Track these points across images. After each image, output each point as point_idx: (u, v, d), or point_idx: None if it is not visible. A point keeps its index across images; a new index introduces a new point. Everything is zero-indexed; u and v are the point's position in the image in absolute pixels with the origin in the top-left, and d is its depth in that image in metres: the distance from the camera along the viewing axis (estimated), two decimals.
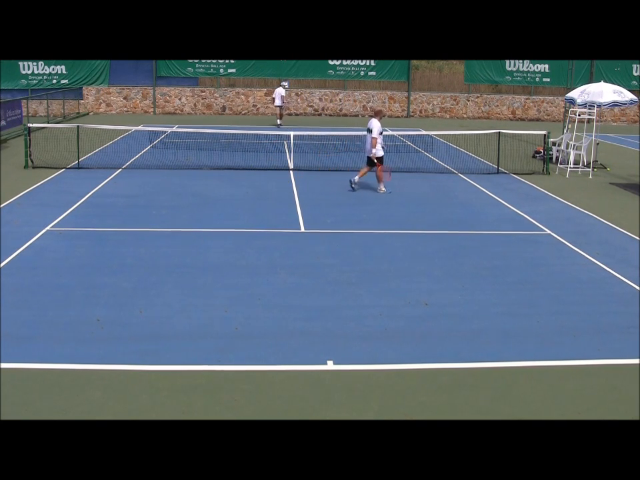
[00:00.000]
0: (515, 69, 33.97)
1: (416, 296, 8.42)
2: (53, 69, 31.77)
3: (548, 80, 33.93)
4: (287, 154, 18.83)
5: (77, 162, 17.20)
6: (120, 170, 16.86)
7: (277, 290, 8.61)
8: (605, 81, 20.34)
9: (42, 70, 31.66)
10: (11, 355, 6.60)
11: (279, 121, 27.18)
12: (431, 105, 33.97)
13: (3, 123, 21.30)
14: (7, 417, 5.44)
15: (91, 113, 31.88)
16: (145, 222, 11.91)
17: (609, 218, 12.82)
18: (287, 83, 32.79)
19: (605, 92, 18.32)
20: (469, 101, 34.08)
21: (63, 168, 16.84)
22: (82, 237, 10.90)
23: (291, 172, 17.09)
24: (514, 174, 17.48)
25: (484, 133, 19.88)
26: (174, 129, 21.27)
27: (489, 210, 13.47)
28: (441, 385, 6.30)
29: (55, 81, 31.68)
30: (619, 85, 20.26)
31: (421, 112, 33.90)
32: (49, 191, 14.37)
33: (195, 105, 32.72)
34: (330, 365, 6.62)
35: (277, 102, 27.14)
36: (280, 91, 27.18)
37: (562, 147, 19.18)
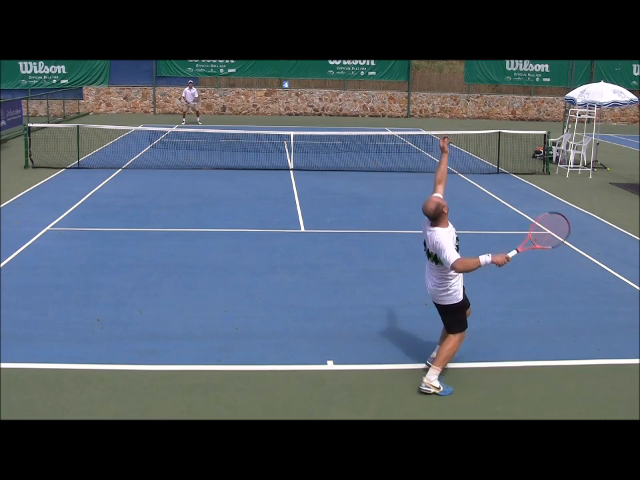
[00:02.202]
0: (515, 69, 33.96)
1: (416, 296, 8.40)
2: (53, 69, 31.75)
3: (548, 80, 33.93)
4: (287, 154, 18.83)
5: (77, 162, 17.20)
6: (120, 170, 16.86)
7: (277, 290, 8.61)
8: (605, 81, 20.32)
9: (42, 70, 31.64)
10: (11, 355, 6.60)
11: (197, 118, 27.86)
12: (431, 105, 33.96)
13: (3, 122, 21.29)
14: (7, 416, 5.44)
15: (90, 113, 31.87)
16: (145, 222, 11.91)
17: (609, 218, 12.82)
18: (286, 83, 32.86)
19: (604, 92, 18.31)
20: (469, 100, 34.08)
21: (63, 168, 16.84)
22: (82, 236, 10.90)
23: (291, 172, 17.08)
24: (514, 174, 17.48)
25: (484, 133, 19.87)
26: (174, 129, 21.27)
27: (489, 210, 13.46)
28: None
29: (55, 81, 31.66)
30: (619, 85, 20.24)
31: (421, 112, 33.89)
32: (48, 190, 14.37)
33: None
34: (330, 365, 6.62)
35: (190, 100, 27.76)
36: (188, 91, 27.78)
37: (562, 147, 19.17)
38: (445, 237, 5.84)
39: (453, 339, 6.14)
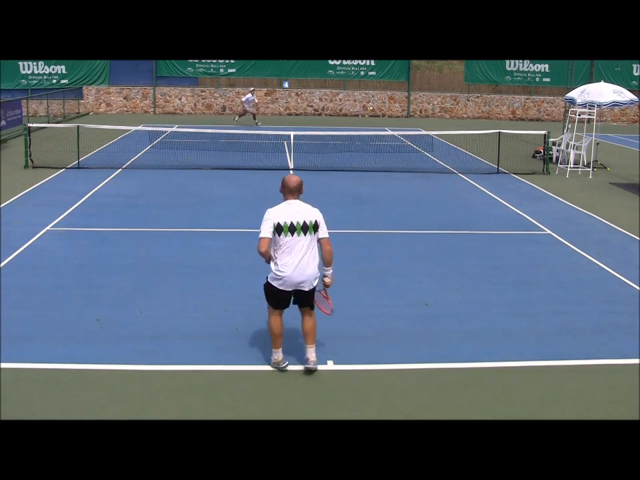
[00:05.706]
0: (515, 69, 34.00)
1: (416, 296, 8.41)
2: (53, 69, 31.77)
3: (548, 80, 33.96)
4: (287, 154, 18.84)
5: (77, 162, 17.21)
6: (120, 170, 16.86)
7: None
8: (605, 81, 20.34)
9: (42, 70, 31.67)
10: (11, 355, 6.60)
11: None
12: (431, 105, 33.97)
13: (3, 122, 21.29)
14: (7, 417, 5.44)
15: (90, 113, 31.87)
16: (145, 222, 11.90)
17: (609, 218, 12.82)
18: (286, 83, 32.90)
19: (604, 92, 18.32)
20: (469, 100, 34.09)
21: (63, 168, 16.84)
22: (82, 236, 10.90)
23: (291, 172, 17.08)
24: (514, 174, 17.48)
25: (484, 133, 19.88)
26: (174, 129, 21.27)
27: (489, 210, 13.46)
28: (441, 385, 6.29)
29: (55, 81, 31.68)
30: (619, 85, 20.25)
31: (421, 112, 33.90)
32: (49, 190, 14.36)
33: (194, 104, 32.72)
34: (330, 365, 6.62)
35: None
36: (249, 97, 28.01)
37: (562, 147, 19.17)
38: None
39: (313, 314, 6.49)
